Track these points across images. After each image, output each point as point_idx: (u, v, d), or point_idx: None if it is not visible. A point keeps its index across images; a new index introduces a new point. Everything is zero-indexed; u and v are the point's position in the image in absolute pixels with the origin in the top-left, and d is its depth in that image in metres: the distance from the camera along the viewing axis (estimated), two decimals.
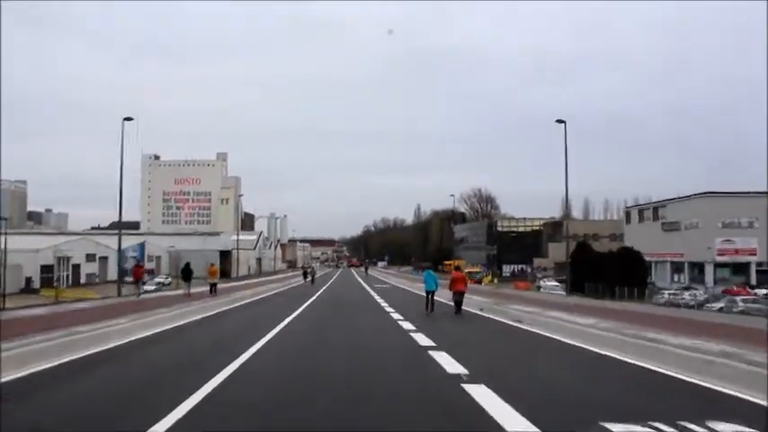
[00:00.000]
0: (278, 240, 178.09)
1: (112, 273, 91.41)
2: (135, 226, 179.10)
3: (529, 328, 15.95)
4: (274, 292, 38.24)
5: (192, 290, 33.80)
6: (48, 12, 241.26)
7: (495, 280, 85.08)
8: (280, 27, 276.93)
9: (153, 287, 74.71)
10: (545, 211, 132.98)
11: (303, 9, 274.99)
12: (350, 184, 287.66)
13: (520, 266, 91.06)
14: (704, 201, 64.15)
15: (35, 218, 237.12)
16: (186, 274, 33.00)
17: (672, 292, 53.48)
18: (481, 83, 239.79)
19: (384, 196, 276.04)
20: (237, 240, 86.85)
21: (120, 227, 38.86)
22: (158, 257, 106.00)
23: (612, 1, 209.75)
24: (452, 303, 22.28)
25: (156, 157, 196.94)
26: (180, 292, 32.84)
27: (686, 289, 56.36)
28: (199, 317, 19.09)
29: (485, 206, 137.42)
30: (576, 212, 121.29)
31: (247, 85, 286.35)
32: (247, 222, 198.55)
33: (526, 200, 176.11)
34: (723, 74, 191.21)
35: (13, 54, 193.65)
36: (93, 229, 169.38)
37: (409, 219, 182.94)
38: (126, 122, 34.93)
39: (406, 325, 16.56)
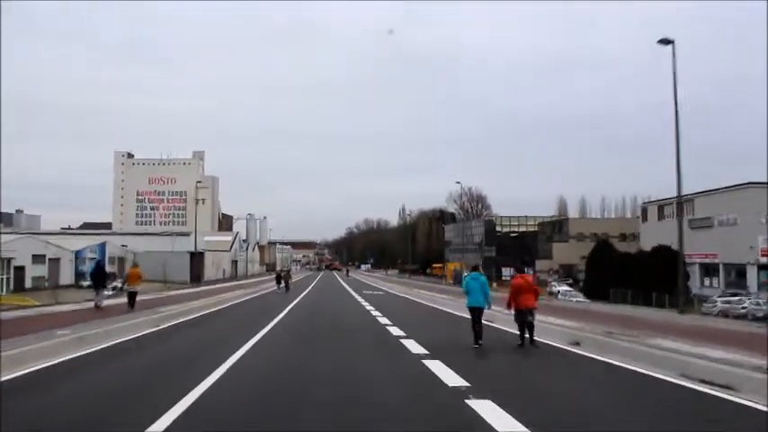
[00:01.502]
0: (256, 243, 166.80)
1: (66, 276, 80.00)
2: (108, 227, 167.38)
3: None
4: (232, 303, 27.48)
5: (108, 301, 23.45)
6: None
7: (494, 284, 74.87)
8: (264, 29, 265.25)
9: (110, 292, 63.67)
10: (536, 213, 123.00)
11: (291, 11, 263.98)
12: (332, 186, 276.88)
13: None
14: (743, 193, 54.29)
15: (5, 219, 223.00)
16: (97, 278, 22.26)
17: (724, 299, 43.42)
18: (469, 87, 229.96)
19: (368, 199, 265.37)
20: (195, 240, 75.37)
21: None
22: (122, 259, 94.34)
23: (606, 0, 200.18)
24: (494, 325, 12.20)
25: (130, 156, 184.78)
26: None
27: (733, 295, 46.40)
28: None
29: (476, 206, 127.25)
30: (573, 212, 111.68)
31: (230, 87, 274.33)
32: (225, 224, 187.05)
33: (516, 202, 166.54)
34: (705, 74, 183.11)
35: None
36: (62, 230, 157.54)
37: (393, 220, 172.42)
38: None
39: (489, 410, 6.06)
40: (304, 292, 38.82)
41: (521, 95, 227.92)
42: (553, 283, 62.72)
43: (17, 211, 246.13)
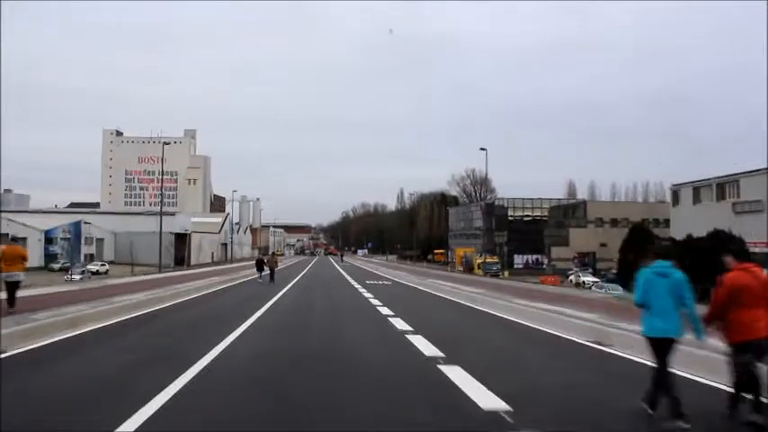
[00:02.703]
0: (248, 225, 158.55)
1: (34, 258, 71.33)
2: (95, 207, 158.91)
3: None
4: (181, 300, 18.79)
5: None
6: None
7: (506, 273, 66.81)
8: (268, 14, 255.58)
9: (78, 277, 55.51)
10: (543, 197, 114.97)
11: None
12: (328, 171, 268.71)
13: (535, 257, 72.56)
14: None
15: None
16: None
17: None
18: (468, 73, 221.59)
19: (364, 185, 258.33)
20: (160, 220, 66.92)
21: None
22: (100, 240, 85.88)
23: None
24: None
25: (119, 133, 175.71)
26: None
27: None
28: None
29: (479, 189, 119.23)
30: (582, 197, 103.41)
31: (227, 71, 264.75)
32: (217, 205, 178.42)
33: (519, 187, 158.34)
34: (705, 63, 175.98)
35: None
36: (36, 210, 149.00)
37: (391, 205, 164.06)
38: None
39: None
40: (291, 283, 30.48)
41: (518, 83, 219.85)
42: (578, 272, 54.45)
43: (5, 190, 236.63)
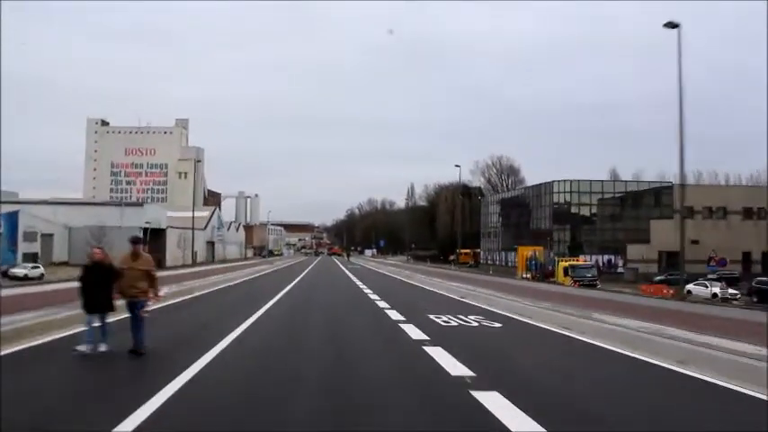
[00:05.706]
0: (240, 223, 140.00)
1: None
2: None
3: None
4: None
5: None
6: None
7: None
8: (272, 13, 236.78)
9: None
10: None
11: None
12: (333, 171, 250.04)
13: (607, 257, 53.31)
14: None
15: None
16: None
17: None
18: (475, 74, 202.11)
19: (370, 184, 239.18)
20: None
21: None
22: (48, 236, 66.67)
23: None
24: None
25: (105, 123, 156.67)
26: None
27: None
28: None
29: (506, 179, 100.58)
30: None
31: (230, 69, 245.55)
32: (212, 202, 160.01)
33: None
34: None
35: None
36: None
37: (400, 202, 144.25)
38: None
39: None
40: (234, 334, 10.91)
41: (526, 83, 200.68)
42: (722, 284, 34.93)
43: None
